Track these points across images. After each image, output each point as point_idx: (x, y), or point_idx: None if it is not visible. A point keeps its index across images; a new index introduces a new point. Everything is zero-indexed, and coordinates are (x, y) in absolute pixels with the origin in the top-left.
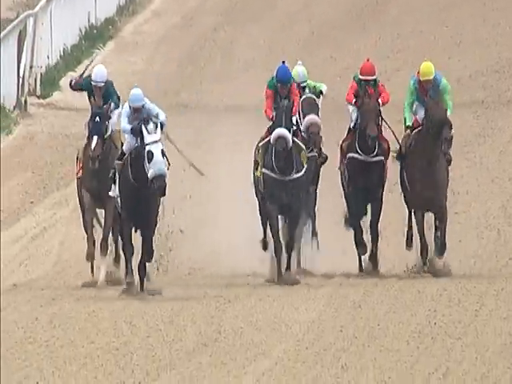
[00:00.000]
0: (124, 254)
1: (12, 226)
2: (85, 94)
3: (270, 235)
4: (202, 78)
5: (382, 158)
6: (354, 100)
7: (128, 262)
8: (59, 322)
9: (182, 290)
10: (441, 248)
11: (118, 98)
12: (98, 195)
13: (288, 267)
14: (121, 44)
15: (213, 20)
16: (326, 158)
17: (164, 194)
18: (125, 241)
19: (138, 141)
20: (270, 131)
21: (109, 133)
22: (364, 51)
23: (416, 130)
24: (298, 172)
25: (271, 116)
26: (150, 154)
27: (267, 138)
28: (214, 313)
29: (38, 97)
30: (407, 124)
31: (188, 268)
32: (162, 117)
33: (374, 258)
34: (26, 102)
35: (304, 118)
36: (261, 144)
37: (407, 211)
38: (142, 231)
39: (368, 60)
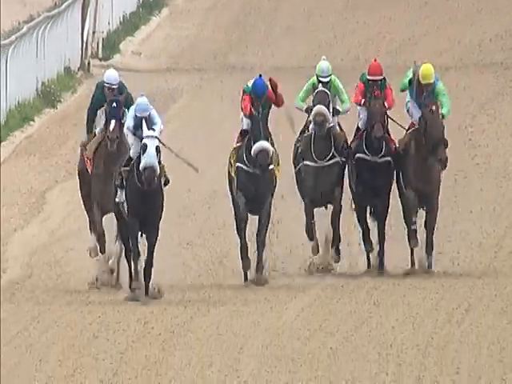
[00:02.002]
0: (131, 259)
1: (73, 178)
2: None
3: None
4: (248, 42)
5: (389, 158)
6: (363, 101)
7: (135, 266)
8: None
9: (229, 237)
10: (428, 248)
11: (131, 99)
12: (110, 197)
13: (258, 269)
14: (174, 11)
15: None
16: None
17: (150, 186)
18: (132, 246)
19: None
20: (243, 135)
21: (125, 118)
22: (394, 17)
23: (411, 130)
24: (270, 164)
25: (248, 112)
26: (144, 146)
27: (240, 143)
28: None
29: (100, 59)
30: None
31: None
32: (157, 129)
33: (381, 254)
34: (89, 63)
35: (314, 107)
36: (234, 146)
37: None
38: (147, 236)
39: (375, 60)
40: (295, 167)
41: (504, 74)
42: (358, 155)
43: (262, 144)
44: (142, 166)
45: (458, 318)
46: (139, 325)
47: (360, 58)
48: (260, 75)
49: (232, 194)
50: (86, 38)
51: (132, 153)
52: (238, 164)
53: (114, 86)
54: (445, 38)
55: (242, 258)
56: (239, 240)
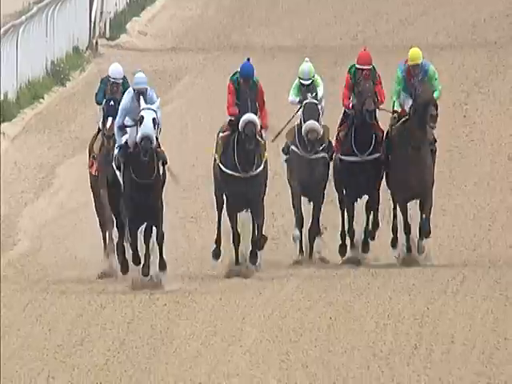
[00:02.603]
0: (131, 249)
1: (84, 152)
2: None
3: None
4: (250, 22)
5: (379, 154)
6: (351, 104)
7: (136, 257)
8: None
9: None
10: (424, 232)
11: None
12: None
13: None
14: None
15: None
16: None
17: (145, 156)
18: (131, 234)
19: (138, 134)
20: (230, 125)
21: None
22: None
23: (403, 119)
24: (257, 168)
25: (233, 112)
26: (141, 118)
27: (228, 132)
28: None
29: (107, 39)
30: (395, 108)
31: None
32: (156, 104)
33: (366, 246)
34: (96, 43)
35: (304, 122)
36: (222, 135)
37: (392, 202)
38: (153, 226)
39: (365, 49)
40: (285, 157)
41: (498, 52)
42: (345, 157)
43: (250, 116)
44: (138, 136)
45: (453, 288)
46: (145, 296)
47: (358, 38)
48: (248, 59)
49: (216, 180)
50: (93, 19)
51: (129, 140)
52: (224, 169)
53: (119, 81)
54: (441, 18)
55: (234, 247)
56: (231, 228)
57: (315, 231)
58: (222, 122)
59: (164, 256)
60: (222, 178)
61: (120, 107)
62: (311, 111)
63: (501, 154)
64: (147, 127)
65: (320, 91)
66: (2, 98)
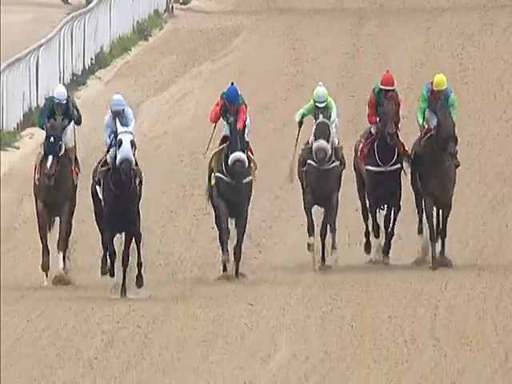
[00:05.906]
0: (108, 256)
1: (162, 93)
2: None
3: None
4: None
5: (399, 165)
6: (378, 119)
7: (111, 265)
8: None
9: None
10: (442, 245)
11: (77, 110)
12: (53, 205)
13: (237, 271)
14: None
15: None
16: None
17: (127, 176)
18: (107, 245)
19: (118, 151)
20: (222, 143)
21: (62, 152)
22: None
23: (427, 135)
24: (246, 177)
25: (214, 119)
26: (120, 142)
27: (221, 147)
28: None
29: (181, 3)
30: (421, 123)
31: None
32: (131, 125)
33: (386, 247)
34: (172, 7)
35: (315, 141)
36: (214, 151)
37: (417, 210)
38: (125, 234)
39: (388, 72)
40: (299, 171)
41: (487, 14)
42: (368, 167)
43: (238, 155)
44: (118, 159)
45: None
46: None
47: (377, 2)
48: (232, 83)
49: (211, 198)
50: None
51: (109, 157)
52: (217, 174)
53: (63, 102)
54: None
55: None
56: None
57: (333, 240)
58: (271, 68)
59: (141, 259)
60: (217, 187)
61: (104, 125)
62: (322, 130)
63: (488, 94)
64: (126, 150)
65: (333, 113)
66: (99, 50)
